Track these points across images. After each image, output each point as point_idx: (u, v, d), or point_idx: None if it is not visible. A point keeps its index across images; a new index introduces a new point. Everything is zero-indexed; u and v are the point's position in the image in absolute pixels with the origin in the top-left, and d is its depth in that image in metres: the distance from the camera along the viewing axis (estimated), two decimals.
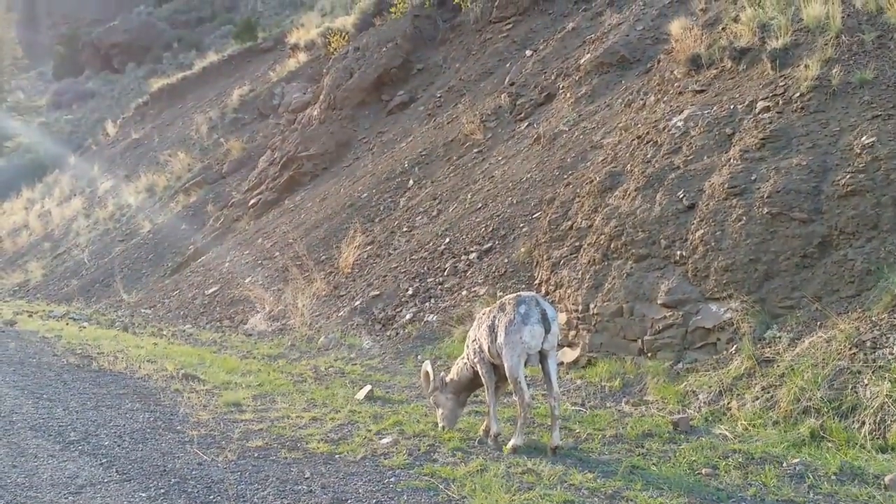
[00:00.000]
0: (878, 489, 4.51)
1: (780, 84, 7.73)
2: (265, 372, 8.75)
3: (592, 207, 8.65)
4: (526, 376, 5.54)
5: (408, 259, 11.76)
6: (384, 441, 5.73)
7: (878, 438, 5.03)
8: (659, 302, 7.15)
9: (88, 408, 6.75)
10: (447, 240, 11.57)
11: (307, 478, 4.93)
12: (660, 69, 10.80)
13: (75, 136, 39.43)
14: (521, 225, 10.75)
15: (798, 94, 7.37)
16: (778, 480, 4.71)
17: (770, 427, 5.51)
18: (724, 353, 6.46)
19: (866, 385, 5.25)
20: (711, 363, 6.46)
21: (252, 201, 19.21)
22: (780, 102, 7.48)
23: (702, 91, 8.94)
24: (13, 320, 12.99)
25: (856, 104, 6.92)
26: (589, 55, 13.82)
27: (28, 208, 29.98)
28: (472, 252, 10.88)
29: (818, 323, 6.02)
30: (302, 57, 27.03)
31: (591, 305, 7.79)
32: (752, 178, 7.00)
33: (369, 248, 13.09)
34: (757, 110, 7.65)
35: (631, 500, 4.49)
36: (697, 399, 6.19)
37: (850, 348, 5.54)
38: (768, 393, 5.75)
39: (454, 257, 11.05)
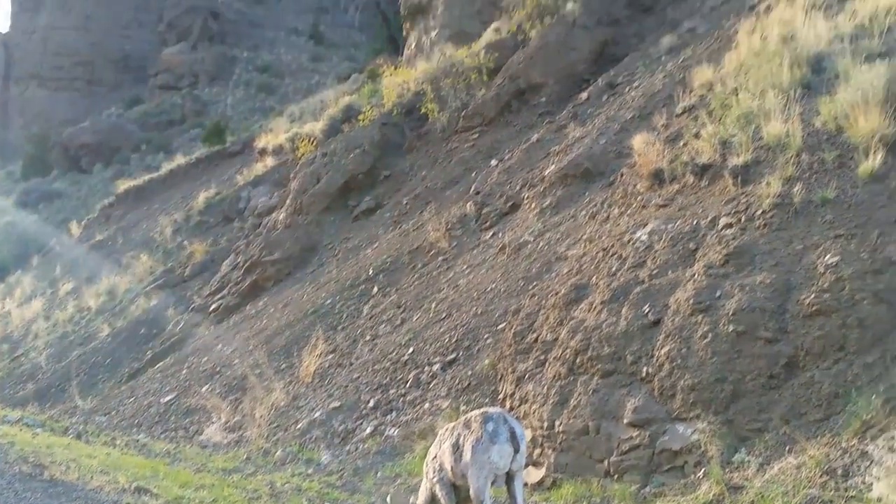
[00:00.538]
0: None
1: (743, 201, 7.78)
2: (219, 487, 8.33)
3: (558, 320, 8.53)
4: (491, 497, 5.27)
5: (370, 369, 11.49)
6: None
7: None
8: (625, 421, 6.95)
9: None
10: (410, 350, 11.35)
11: None
12: (623, 182, 10.91)
13: (40, 236, 39.08)
14: (486, 336, 10.58)
15: (760, 212, 7.41)
16: None
17: None
18: (692, 477, 6.24)
19: None
20: (679, 488, 6.23)
21: (213, 306, 18.90)
22: (743, 219, 7.51)
23: (665, 205, 8.99)
24: None
25: (818, 223, 6.96)
26: (553, 166, 13.99)
27: None
28: (435, 363, 10.65)
29: (787, 447, 5.85)
30: (269, 161, 27.25)
31: (557, 423, 7.56)
32: (717, 294, 6.94)
33: (331, 356, 12.81)
34: (720, 226, 7.67)
35: None
36: None
37: (821, 475, 5.36)
38: None
39: (417, 368, 10.80)
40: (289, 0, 70.13)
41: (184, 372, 15.45)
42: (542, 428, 7.75)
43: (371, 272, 15.29)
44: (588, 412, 7.31)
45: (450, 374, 10.23)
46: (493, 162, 16.96)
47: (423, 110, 21.07)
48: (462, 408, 8.93)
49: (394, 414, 10.13)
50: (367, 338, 12.85)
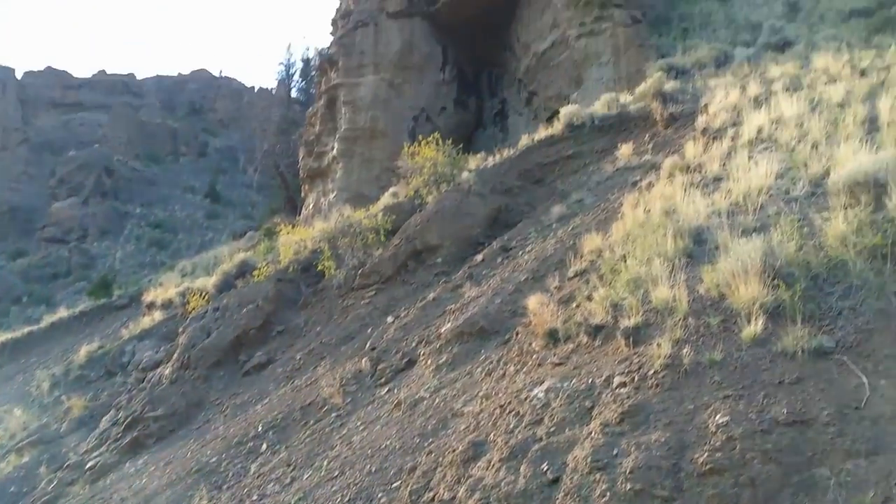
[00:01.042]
0: None
1: (635, 361, 8.05)
2: None
3: (455, 478, 8.40)
4: None
5: None
6: None
7: None
8: None
9: None
10: None
11: None
12: (519, 341, 11.13)
13: None
14: (380, 495, 10.25)
15: (652, 371, 7.67)
16: None
17: None
18: None
19: None
20: None
21: (90, 464, 17.74)
22: (636, 378, 7.75)
23: (561, 364, 9.20)
24: None
25: (707, 383, 7.24)
26: (450, 324, 14.17)
27: None
28: None
29: None
30: (157, 315, 26.63)
31: None
32: (614, 452, 7.03)
33: None
34: (614, 385, 7.88)
35: None
36: None
37: None
38: None
39: None
40: (186, 159, 70.70)
41: None
42: None
43: (260, 429, 14.78)
44: None
45: None
46: (390, 319, 17.06)
47: (319, 268, 21.23)
48: None
49: None
50: (255, 497, 12.25)
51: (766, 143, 13.94)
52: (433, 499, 8.56)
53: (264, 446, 14.14)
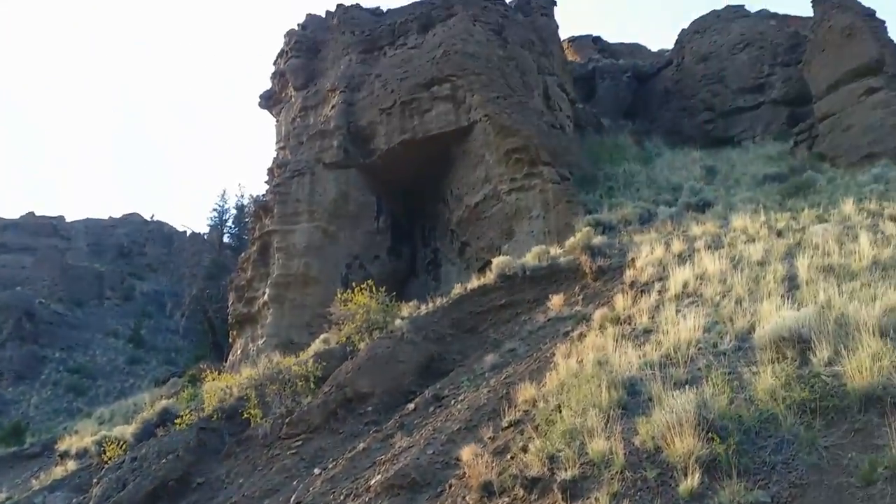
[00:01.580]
0: None
1: None
2: None
3: None
4: None
5: None
6: None
7: None
8: None
9: None
10: None
11: None
12: (452, 494, 10.81)
13: None
14: None
15: None
16: None
17: None
18: None
19: None
20: None
21: None
22: None
23: None
24: None
25: None
26: (380, 476, 13.70)
27: None
28: None
29: None
30: (71, 465, 25.19)
31: None
32: None
33: None
34: None
35: None
36: None
37: None
38: None
39: None
40: (111, 303, 69.12)
41: None
42: None
43: None
44: None
45: None
46: (317, 470, 16.42)
47: (245, 416, 20.54)
48: None
49: None
50: None
51: (692, 297, 14.37)
52: None
53: None
